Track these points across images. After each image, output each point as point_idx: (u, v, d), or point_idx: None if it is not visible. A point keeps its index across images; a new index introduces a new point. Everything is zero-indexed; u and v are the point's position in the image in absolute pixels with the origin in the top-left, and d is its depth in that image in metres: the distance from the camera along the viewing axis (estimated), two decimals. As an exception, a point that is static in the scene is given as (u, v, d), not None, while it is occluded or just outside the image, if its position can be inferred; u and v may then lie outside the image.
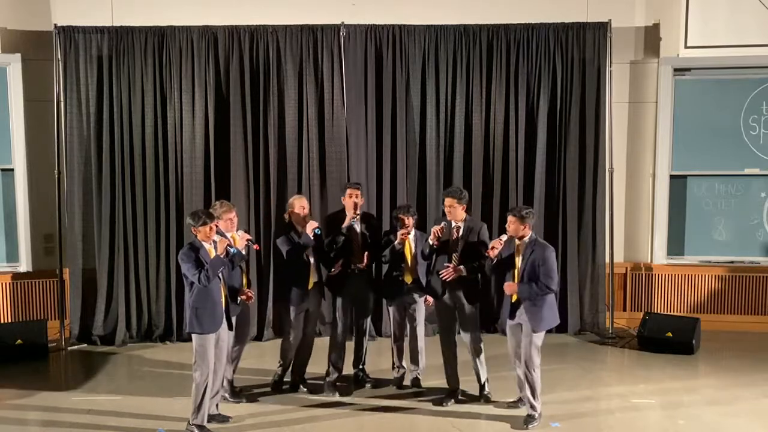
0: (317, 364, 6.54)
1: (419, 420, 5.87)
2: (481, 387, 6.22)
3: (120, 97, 8.05)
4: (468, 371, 6.27)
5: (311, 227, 6.12)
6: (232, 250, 5.48)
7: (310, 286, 6.26)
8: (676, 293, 8.66)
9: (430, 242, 6.01)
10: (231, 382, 6.17)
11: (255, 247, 6.14)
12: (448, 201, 6.02)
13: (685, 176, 8.70)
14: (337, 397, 6.29)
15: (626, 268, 8.72)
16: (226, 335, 5.63)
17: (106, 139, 8.07)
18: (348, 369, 6.63)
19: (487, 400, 6.16)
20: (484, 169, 8.31)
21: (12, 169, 8.30)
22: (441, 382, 6.37)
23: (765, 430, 5.67)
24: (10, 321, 8.14)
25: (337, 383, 6.42)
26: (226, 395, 6.09)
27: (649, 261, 8.74)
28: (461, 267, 5.92)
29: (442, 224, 6.04)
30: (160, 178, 8.13)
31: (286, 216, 6.35)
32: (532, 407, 5.67)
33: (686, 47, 8.47)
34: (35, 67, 8.23)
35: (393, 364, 6.64)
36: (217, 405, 5.76)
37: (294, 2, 8.35)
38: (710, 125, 8.61)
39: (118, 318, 8.09)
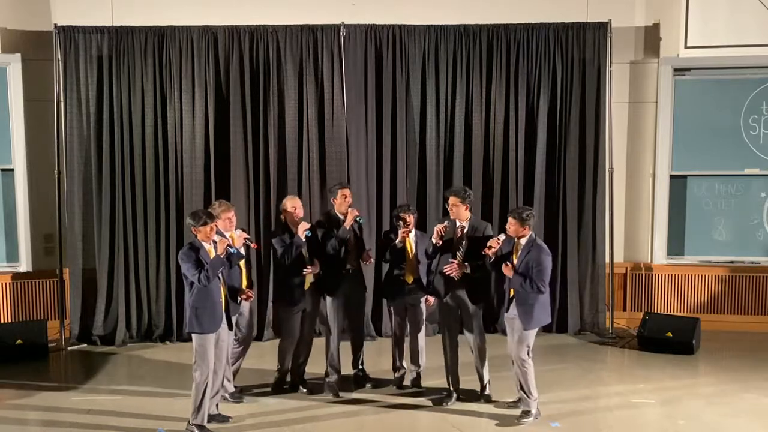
0: (317, 365, 6.53)
1: (419, 420, 5.88)
2: (482, 387, 6.22)
3: (120, 97, 8.05)
4: (468, 371, 6.26)
5: (302, 228, 6.11)
6: (231, 250, 5.49)
7: (306, 286, 6.26)
8: (676, 293, 8.66)
9: (433, 241, 6.02)
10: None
11: (253, 246, 6.14)
12: (452, 200, 6.04)
13: (685, 176, 8.70)
14: (337, 397, 6.29)
15: (626, 268, 8.72)
16: (226, 335, 5.64)
17: (106, 139, 8.06)
18: (348, 369, 6.63)
19: (488, 400, 6.16)
20: (484, 169, 8.31)
21: (12, 169, 8.30)
22: (441, 382, 6.37)
23: (765, 430, 5.67)
24: (10, 321, 8.14)
25: (337, 383, 6.42)
26: (226, 395, 6.09)
27: (649, 261, 8.73)
28: (466, 264, 5.93)
29: (445, 223, 6.05)
30: (160, 178, 8.13)
31: (282, 217, 6.36)
32: (527, 403, 5.70)
33: (686, 47, 8.47)
34: (35, 67, 8.22)
35: (393, 364, 6.64)
36: (217, 405, 5.76)
37: (294, 2, 8.35)
38: (710, 125, 8.60)
39: (118, 318, 8.09)
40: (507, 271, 5.64)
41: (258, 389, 6.46)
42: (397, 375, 6.61)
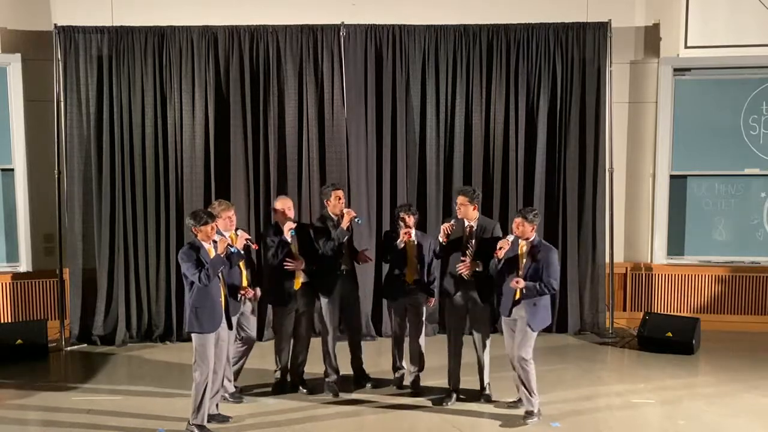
0: (317, 365, 6.53)
1: (419, 420, 5.87)
2: (482, 387, 6.22)
3: (120, 97, 8.05)
4: (469, 371, 6.26)
5: (287, 228, 6.11)
6: (232, 249, 5.48)
7: (297, 286, 6.25)
8: (676, 293, 8.66)
9: (440, 240, 6.03)
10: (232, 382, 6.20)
11: (254, 246, 6.14)
12: (460, 199, 6.06)
13: (685, 176, 8.70)
14: (336, 397, 6.29)
15: (626, 268, 8.72)
16: (226, 335, 5.64)
17: (106, 139, 8.06)
18: (347, 369, 6.63)
19: (488, 400, 6.16)
20: (484, 169, 8.31)
21: (12, 169, 8.30)
22: (441, 382, 6.37)
23: (765, 430, 5.67)
24: (10, 321, 8.14)
25: (337, 383, 6.42)
26: (226, 395, 6.09)
27: (649, 261, 8.73)
28: (477, 261, 5.94)
29: (452, 222, 6.05)
30: (160, 178, 8.13)
31: (274, 217, 6.38)
32: (530, 403, 5.70)
33: (686, 47, 8.47)
34: (35, 67, 8.22)
35: (393, 364, 6.64)
36: (217, 405, 5.76)
37: (294, 2, 8.35)
38: (710, 125, 8.60)
39: (118, 318, 8.09)
40: (516, 285, 5.59)
41: (258, 389, 6.46)
42: (396, 375, 6.61)
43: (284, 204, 6.29)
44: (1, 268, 8.36)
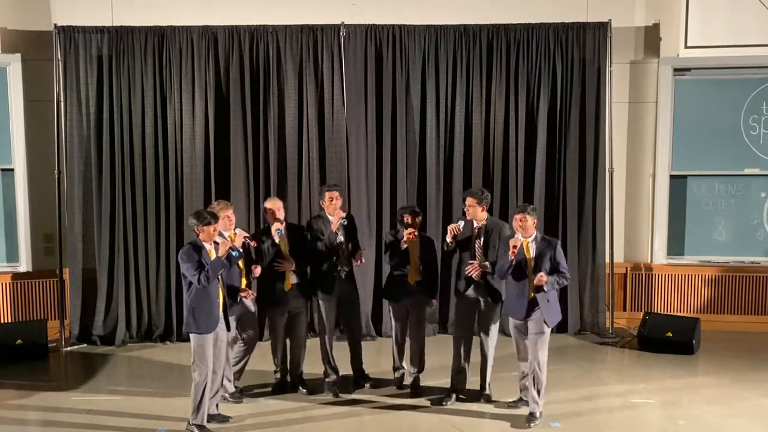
0: (317, 365, 6.53)
1: (419, 420, 5.87)
2: (483, 387, 6.22)
3: (120, 97, 8.05)
4: (469, 372, 6.26)
5: (275, 228, 6.11)
6: (234, 252, 5.48)
7: (288, 287, 6.24)
8: (676, 293, 8.66)
9: (448, 240, 6.04)
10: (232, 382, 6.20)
11: (253, 244, 6.13)
12: (468, 201, 6.07)
13: (685, 176, 8.70)
14: (336, 397, 6.29)
15: (626, 268, 8.72)
16: (224, 335, 5.64)
17: (106, 139, 8.06)
18: (347, 369, 6.63)
19: (488, 400, 6.16)
20: (484, 169, 8.31)
21: (12, 169, 8.29)
22: (441, 382, 6.37)
23: (765, 430, 5.67)
24: (10, 321, 8.14)
25: (337, 383, 6.42)
26: (226, 395, 6.09)
27: (649, 261, 8.73)
28: (486, 263, 5.95)
29: (460, 223, 6.06)
30: (160, 178, 8.13)
31: (265, 218, 6.39)
32: (537, 405, 5.69)
33: (686, 47, 8.47)
34: (35, 67, 8.22)
35: (393, 364, 6.64)
36: (217, 405, 5.76)
37: (294, 2, 8.35)
38: (710, 125, 8.60)
39: (118, 318, 8.09)
40: (541, 280, 5.55)
41: (258, 389, 6.47)
42: (396, 375, 6.61)
43: (274, 204, 6.29)
44: (1, 268, 8.36)
